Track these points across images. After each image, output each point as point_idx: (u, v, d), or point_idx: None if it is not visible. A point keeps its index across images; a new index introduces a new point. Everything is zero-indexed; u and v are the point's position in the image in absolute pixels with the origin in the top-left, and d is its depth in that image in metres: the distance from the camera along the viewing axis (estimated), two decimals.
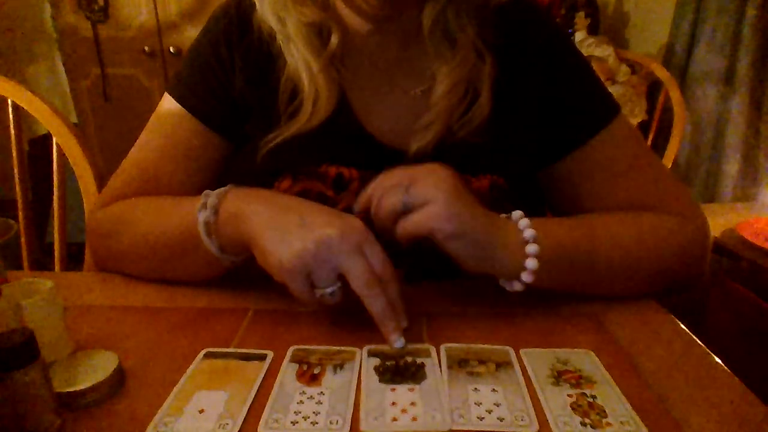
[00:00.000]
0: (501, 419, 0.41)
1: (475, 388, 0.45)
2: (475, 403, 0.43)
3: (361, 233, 0.49)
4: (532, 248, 0.52)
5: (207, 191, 0.55)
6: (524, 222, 0.54)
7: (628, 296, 0.60)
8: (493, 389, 0.45)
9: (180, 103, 0.67)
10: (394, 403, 0.43)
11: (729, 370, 0.48)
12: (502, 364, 0.48)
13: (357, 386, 0.45)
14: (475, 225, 0.51)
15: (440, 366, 0.48)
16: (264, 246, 0.49)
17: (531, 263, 0.52)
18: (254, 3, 0.65)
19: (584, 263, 0.57)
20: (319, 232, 0.48)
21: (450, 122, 0.63)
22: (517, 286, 0.54)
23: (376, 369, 0.47)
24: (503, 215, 0.56)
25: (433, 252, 0.64)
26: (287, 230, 0.49)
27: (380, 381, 0.46)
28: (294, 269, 0.47)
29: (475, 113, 0.63)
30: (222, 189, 0.55)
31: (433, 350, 0.50)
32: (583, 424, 0.41)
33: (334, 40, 0.63)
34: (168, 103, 0.68)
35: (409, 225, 0.51)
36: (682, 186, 0.68)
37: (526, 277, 0.53)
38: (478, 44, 0.64)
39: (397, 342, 0.50)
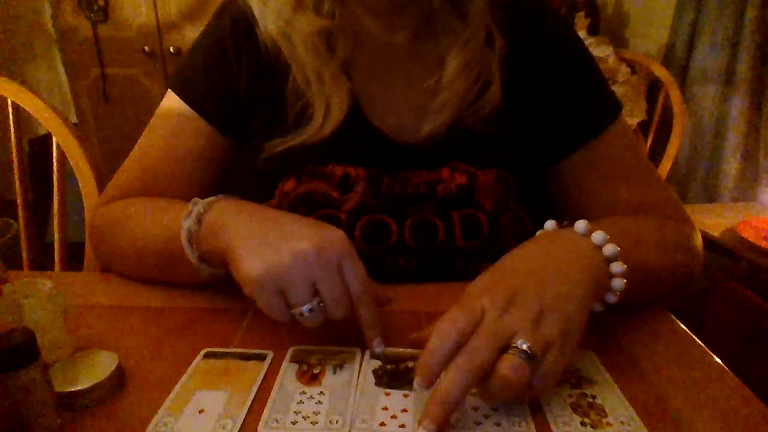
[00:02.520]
0: (498, 424, 0.41)
1: (473, 392, 0.43)
2: (473, 408, 0.42)
3: (341, 247, 0.46)
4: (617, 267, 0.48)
5: (196, 199, 0.53)
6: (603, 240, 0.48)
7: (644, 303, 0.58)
8: None
9: (183, 100, 0.66)
10: (385, 408, 0.43)
11: (729, 370, 0.48)
12: None
13: (357, 386, 0.45)
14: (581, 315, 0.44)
15: None
16: (237, 256, 0.46)
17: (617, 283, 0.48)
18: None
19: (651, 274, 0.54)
20: (295, 244, 0.44)
21: (462, 106, 0.63)
22: (599, 307, 0.50)
23: (375, 372, 0.47)
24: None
25: (433, 252, 0.64)
26: (263, 242, 0.45)
27: (376, 384, 0.45)
28: (264, 282, 0.44)
29: (487, 100, 0.63)
30: (210, 198, 0.53)
31: None
32: (583, 424, 0.41)
33: (343, 46, 0.63)
34: (170, 100, 0.67)
35: (546, 387, 0.41)
36: (669, 187, 0.69)
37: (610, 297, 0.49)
38: (488, 20, 0.63)
39: (377, 347, 0.48)
